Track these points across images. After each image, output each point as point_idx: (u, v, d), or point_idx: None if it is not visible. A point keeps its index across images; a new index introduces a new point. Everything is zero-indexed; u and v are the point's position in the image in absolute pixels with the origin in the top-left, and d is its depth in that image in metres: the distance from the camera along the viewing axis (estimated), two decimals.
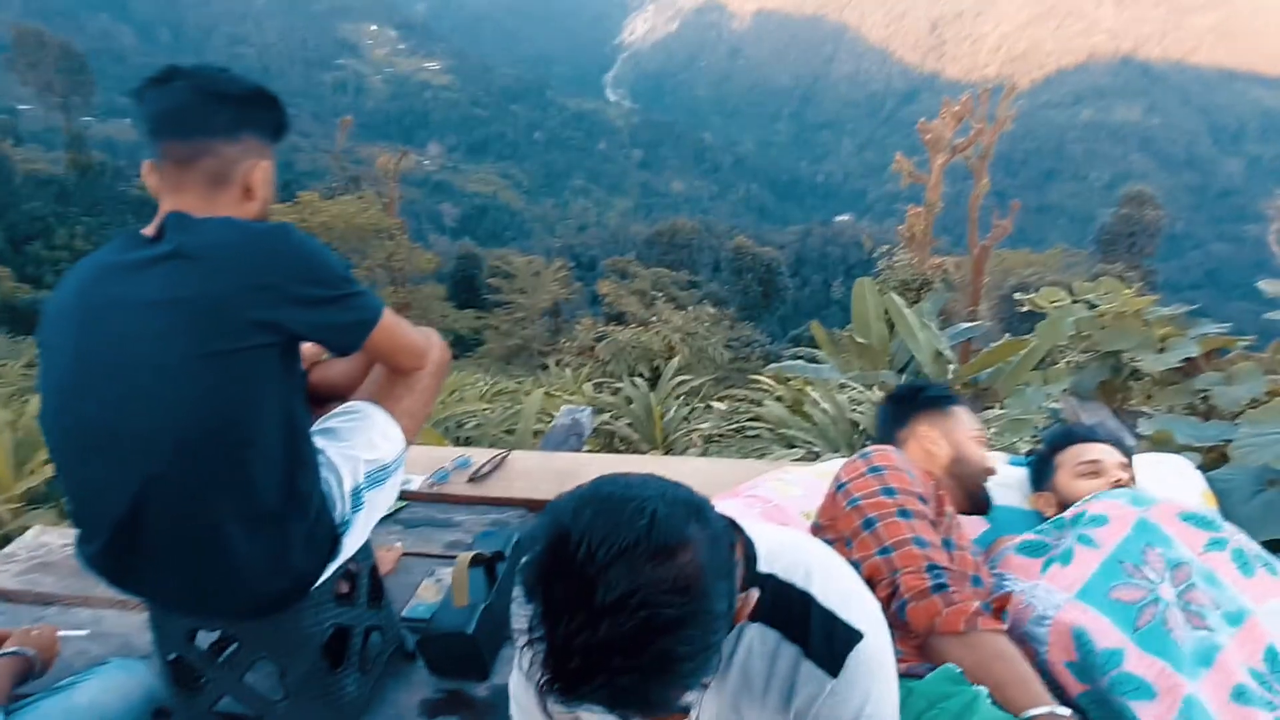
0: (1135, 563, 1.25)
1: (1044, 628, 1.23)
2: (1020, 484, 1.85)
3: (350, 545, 1.26)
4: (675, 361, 8.36)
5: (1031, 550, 1.39)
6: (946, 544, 1.29)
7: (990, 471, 1.52)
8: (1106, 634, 1.18)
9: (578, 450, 2.80)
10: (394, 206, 28.96)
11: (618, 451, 5.31)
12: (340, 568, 1.27)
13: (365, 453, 1.29)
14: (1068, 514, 1.42)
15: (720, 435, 5.65)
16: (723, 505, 1.80)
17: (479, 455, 2.24)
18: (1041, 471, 1.71)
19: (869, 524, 1.21)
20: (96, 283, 1.11)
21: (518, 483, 2.13)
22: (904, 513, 1.22)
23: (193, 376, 1.04)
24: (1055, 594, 1.26)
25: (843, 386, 6.18)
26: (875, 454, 1.32)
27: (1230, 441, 1.89)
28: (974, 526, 1.75)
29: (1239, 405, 2.15)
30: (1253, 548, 1.32)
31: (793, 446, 5.08)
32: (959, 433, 1.50)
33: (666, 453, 5.39)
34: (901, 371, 9.37)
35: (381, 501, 1.33)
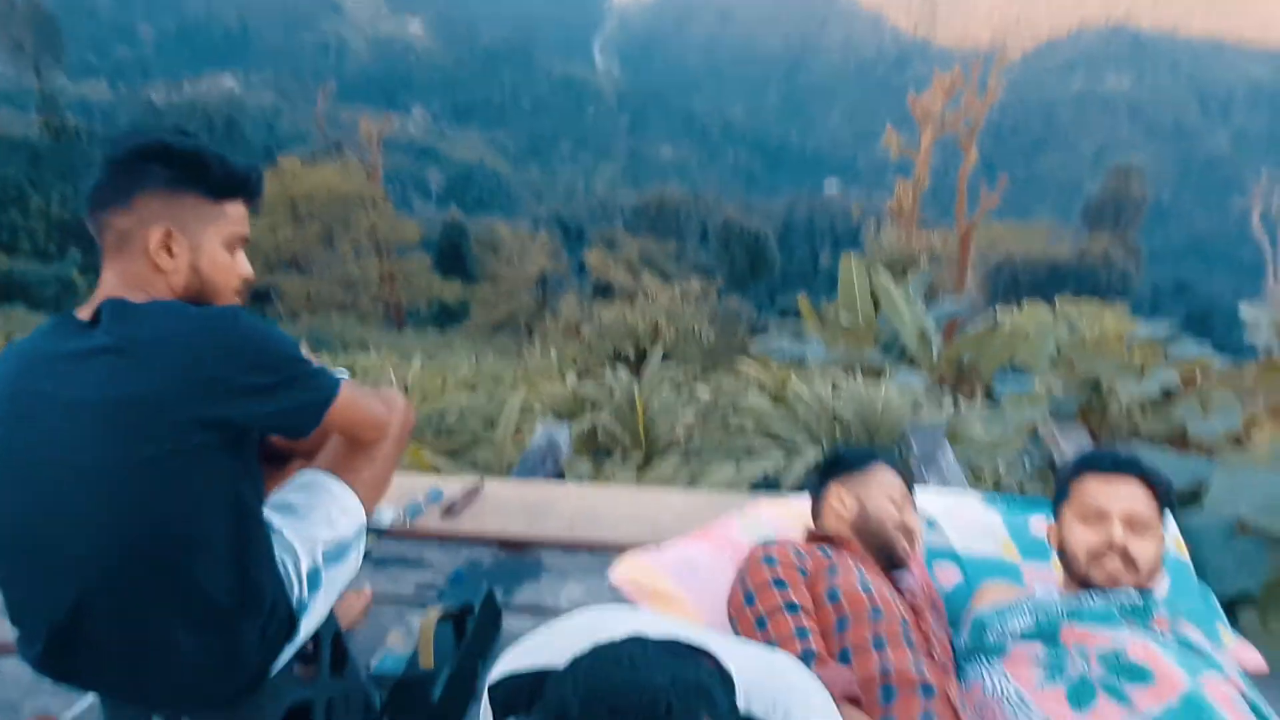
0: None
1: None
2: (994, 529, 1.84)
3: (309, 627, 1.23)
4: (658, 351, 8.34)
5: (1043, 668, 1.27)
6: (832, 595, 1.31)
7: (904, 527, 1.51)
8: None
9: (555, 471, 2.78)
10: (377, 174, 28.56)
11: (601, 446, 5.30)
12: (298, 650, 1.24)
13: (323, 531, 1.24)
14: (1088, 638, 1.26)
15: (703, 426, 5.65)
16: (694, 549, 1.79)
17: (452, 485, 2.21)
18: (1057, 498, 1.51)
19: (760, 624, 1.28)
20: (26, 375, 1.05)
21: (491, 517, 2.10)
22: (760, 623, 1.27)
23: (130, 482, 0.99)
24: None
25: (826, 372, 6.19)
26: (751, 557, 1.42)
27: (1204, 482, 1.88)
28: (948, 578, 1.75)
29: (1215, 438, 2.14)
30: None
31: (775, 437, 5.10)
32: (870, 491, 1.55)
33: (649, 444, 5.38)
34: (885, 350, 9.42)
35: (342, 577, 1.30)
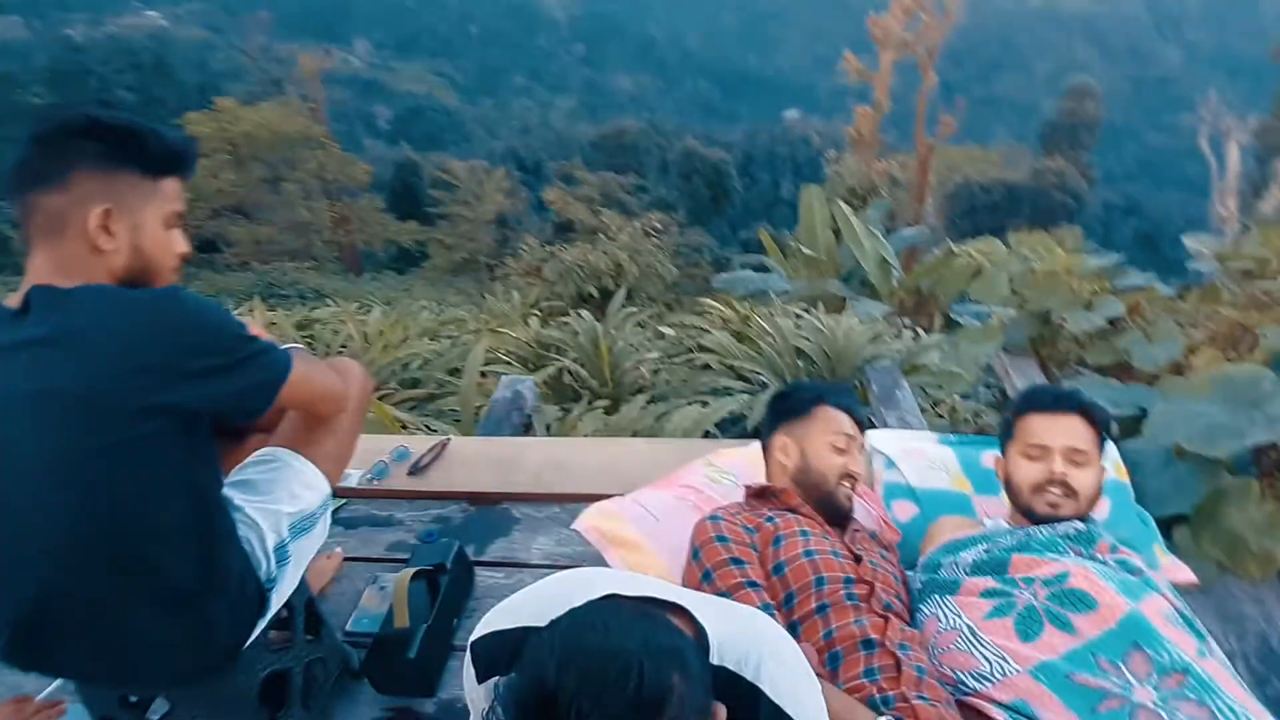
0: (1113, 660, 1.16)
1: (983, 685, 1.21)
2: (948, 464, 1.91)
3: (279, 599, 1.24)
4: (621, 292, 8.31)
5: (992, 600, 1.32)
6: (777, 569, 1.34)
7: (847, 474, 1.51)
8: (1055, 712, 1.11)
9: (521, 423, 2.79)
10: (321, 112, 27.41)
11: (567, 388, 5.31)
12: (271, 620, 1.26)
13: (287, 505, 1.24)
14: (1034, 567, 1.32)
15: (668, 363, 5.69)
16: (658, 498, 1.83)
17: (418, 444, 2.21)
18: (1003, 435, 1.58)
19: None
20: None
21: (458, 473, 2.12)
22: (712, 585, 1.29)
23: (81, 474, 0.97)
24: (1008, 664, 1.20)
25: (787, 308, 6.25)
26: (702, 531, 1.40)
27: (1146, 410, 1.96)
28: (905, 513, 1.82)
29: (1158, 366, 2.23)
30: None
31: (741, 379, 5.18)
32: (813, 440, 1.54)
33: (615, 386, 5.41)
34: (846, 280, 9.51)
35: (309, 548, 1.30)
